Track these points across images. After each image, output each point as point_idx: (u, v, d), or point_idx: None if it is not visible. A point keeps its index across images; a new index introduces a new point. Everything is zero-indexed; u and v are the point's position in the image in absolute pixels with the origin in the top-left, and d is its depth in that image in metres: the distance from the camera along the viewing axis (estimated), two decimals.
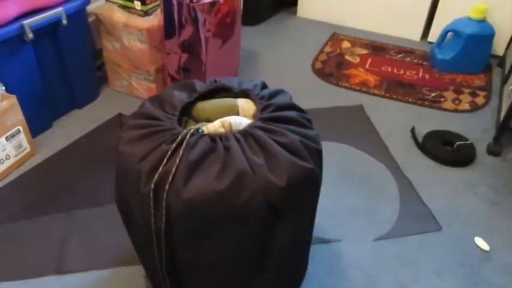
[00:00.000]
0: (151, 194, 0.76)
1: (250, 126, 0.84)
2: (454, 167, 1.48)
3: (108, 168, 1.42)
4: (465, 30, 1.89)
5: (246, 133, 0.82)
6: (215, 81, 0.99)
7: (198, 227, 0.78)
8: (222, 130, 0.85)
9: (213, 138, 0.81)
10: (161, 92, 0.96)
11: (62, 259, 1.13)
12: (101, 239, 1.20)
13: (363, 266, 1.15)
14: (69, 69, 1.60)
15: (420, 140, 1.57)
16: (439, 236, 1.24)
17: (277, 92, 0.96)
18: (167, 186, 0.75)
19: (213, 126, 0.86)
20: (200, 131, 0.82)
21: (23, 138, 1.42)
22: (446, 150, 1.53)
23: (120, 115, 1.67)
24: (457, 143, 1.55)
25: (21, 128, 1.40)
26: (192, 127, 0.82)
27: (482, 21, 1.89)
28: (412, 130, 1.62)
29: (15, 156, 1.41)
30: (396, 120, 1.70)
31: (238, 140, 0.81)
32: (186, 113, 0.93)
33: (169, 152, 0.78)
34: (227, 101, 0.95)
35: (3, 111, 1.33)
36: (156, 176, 0.76)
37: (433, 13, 2.20)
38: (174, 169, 0.76)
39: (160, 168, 0.77)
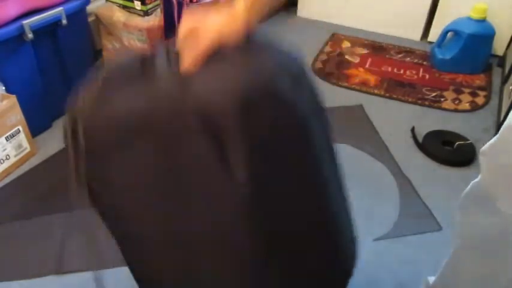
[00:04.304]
0: None
1: None
2: (454, 167, 1.48)
3: None
4: (465, 30, 1.89)
5: None
6: None
7: None
8: None
9: None
10: None
11: (62, 259, 1.13)
12: (101, 239, 1.19)
13: (363, 266, 1.15)
14: (69, 69, 1.60)
15: (420, 140, 1.57)
16: (439, 235, 1.24)
17: None
18: None
19: None
20: None
21: (23, 138, 1.42)
22: (446, 150, 1.53)
23: None
24: (457, 143, 1.55)
25: (21, 128, 1.40)
26: None
27: (482, 21, 1.89)
28: (412, 130, 1.62)
29: (15, 156, 1.41)
30: (396, 120, 1.70)
31: None
32: None
33: None
34: None
35: (3, 111, 1.33)
36: None
37: (433, 13, 2.20)
38: None
39: None
